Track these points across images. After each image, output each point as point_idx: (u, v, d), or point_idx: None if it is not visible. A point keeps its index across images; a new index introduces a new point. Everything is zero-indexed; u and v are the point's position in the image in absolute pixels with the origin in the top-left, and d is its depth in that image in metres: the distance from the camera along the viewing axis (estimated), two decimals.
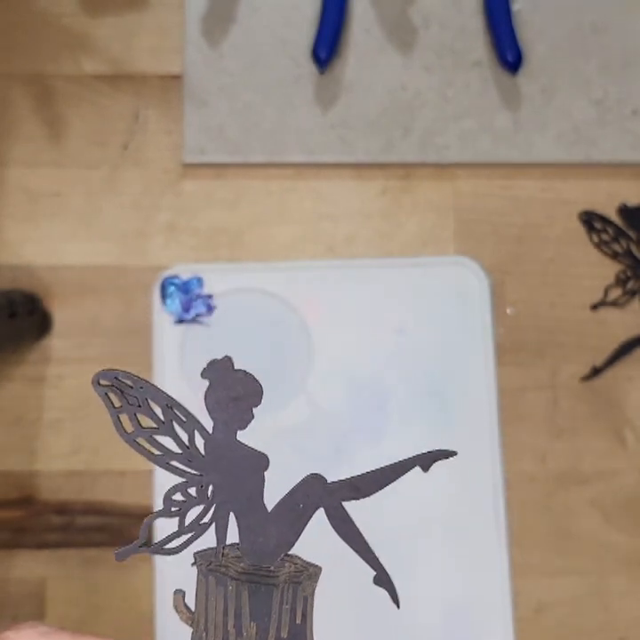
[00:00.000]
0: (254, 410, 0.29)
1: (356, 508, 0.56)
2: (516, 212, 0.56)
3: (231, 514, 0.27)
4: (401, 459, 0.31)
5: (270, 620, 0.27)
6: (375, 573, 0.31)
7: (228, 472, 0.27)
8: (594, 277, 0.56)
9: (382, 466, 0.30)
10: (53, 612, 0.52)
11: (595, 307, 0.55)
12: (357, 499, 0.29)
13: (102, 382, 0.27)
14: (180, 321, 0.54)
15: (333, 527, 0.30)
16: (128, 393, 0.27)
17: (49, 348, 0.55)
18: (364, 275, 0.55)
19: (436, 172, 0.57)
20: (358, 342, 0.54)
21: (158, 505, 0.52)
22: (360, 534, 0.31)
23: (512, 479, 0.53)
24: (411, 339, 0.54)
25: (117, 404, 0.28)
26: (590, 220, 0.56)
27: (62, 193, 0.56)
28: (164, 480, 0.53)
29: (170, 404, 0.28)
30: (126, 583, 0.52)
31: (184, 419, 0.28)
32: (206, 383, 0.27)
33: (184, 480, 0.28)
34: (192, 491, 0.28)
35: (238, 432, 0.28)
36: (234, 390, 0.28)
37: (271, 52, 0.57)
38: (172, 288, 0.54)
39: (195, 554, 0.28)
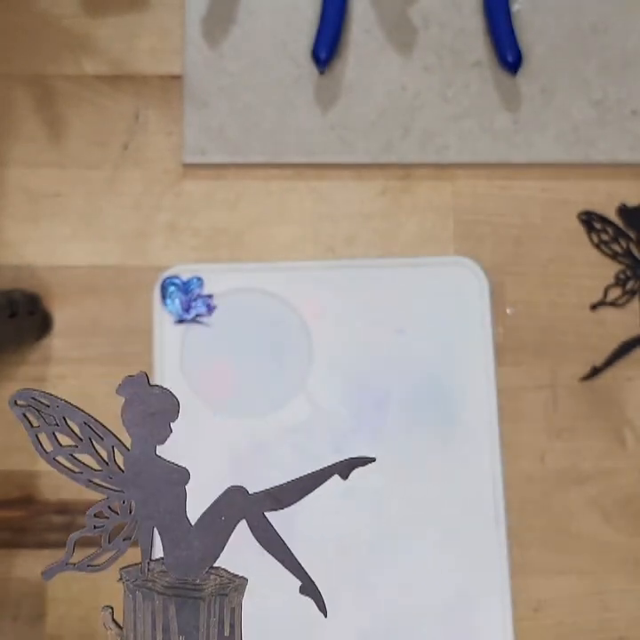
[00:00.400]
0: (173, 425, 0.29)
1: (356, 507, 0.56)
2: (515, 212, 0.56)
3: (154, 529, 0.28)
4: (326, 466, 0.31)
5: (198, 633, 0.27)
6: (301, 583, 0.31)
7: (148, 487, 0.28)
8: (593, 277, 0.56)
9: (302, 475, 0.30)
10: (54, 612, 0.52)
11: (594, 307, 0.55)
12: (278, 509, 0.29)
13: (19, 402, 0.28)
14: (181, 321, 0.54)
15: (256, 538, 0.30)
16: (45, 412, 0.27)
17: (50, 348, 0.55)
18: (363, 275, 0.55)
19: (435, 172, 0.57)
20: (358, 342, 0.54)
21: None
22: (284, 544, 0.31)
23: (511, 479, 0.53)
24: (410, 339, 0.54)
25: (36, 423, 0.28)
26: (590, 220, 0.56)
27: (63, 193, 0.56)
28: None
29: (87, 422, 0.28)
30: None
31: (102, 436, 0.28)
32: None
33: (105, 497, 0.28)
34: (115, 507, 0.28)
35: (157, 447, 0.28)
36: (150, 406, 0.28)
37: (271, 52, 0.57)
38: (172, 288, 0.55)
39: (120, 570, 0.29)
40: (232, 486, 0.28)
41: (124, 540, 0.28)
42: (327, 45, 0.55)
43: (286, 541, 0.55)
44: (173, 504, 0.28)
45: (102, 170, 0.56)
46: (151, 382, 0.28)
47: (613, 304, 0.56)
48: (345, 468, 0.30)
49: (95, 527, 0.28)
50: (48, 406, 0.28)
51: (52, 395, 0.28)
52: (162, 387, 0.29)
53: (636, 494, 0.53)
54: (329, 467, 0.30)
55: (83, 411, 0.28)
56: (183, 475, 0.28)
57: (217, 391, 0.54)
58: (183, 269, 0.55)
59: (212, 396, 0.54)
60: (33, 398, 0.27)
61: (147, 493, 0.28)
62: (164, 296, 0.55)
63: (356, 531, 0.52)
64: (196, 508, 0.55)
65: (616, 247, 0.56)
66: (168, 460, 0.29)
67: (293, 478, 0.29)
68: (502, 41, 0.56)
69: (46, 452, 0.28)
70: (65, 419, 0.28)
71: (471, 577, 0.52)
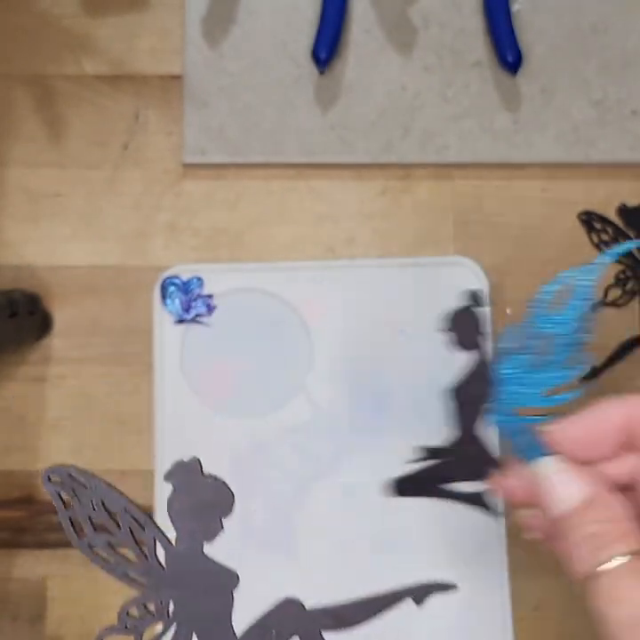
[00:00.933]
0: (224, 520, 0.26)
1: (356, 507, 0.56)
2: (515, 212, 0.56)
3: (193, 634, 0.24)
4: (395, 588, 0.28)
5: None
6: None
7: (191, 588, 0.24)
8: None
9: (371, 596, 0.27)
10: (53, 613, 0.52)
11: (594, 307, 0.56)
12: (341, 629, 0.26)
13: (53, 479, 0.25)
14: (181, 321, 0.54)
15: None
16: (81, 493, 0.25)
17: (50, 348, 0.55)
18: (363, 275, 0.55)
19: (435, 172, 0.57)
20: (358, 342, 0.54)
21: (159, 504, 0.52)
22: None
23: None
24: (410, 338, 0.54)
25: (70, 503, 0.25)
26: (590, 220, 0.56)
27: (63, 193, 0.56)
28: (165, 480, 0.53)
29: (127, 509, 0.25)
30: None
31: (143, 525, 0.25)
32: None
33: (141, 593, 0.24)
34: (151, 606, 0.24)
35: (205, 544, 0.25)
36: (202, 497, 0.25)
37: (271, 52, 0.57)
38: (172, 288, 0.55)
39: None
40: (286, 598, 0.26)
41: None
42: (327, 45, 0.55)
43: (287, 540, 0.55)
44: (217, 610, 0.24)
45: (102, 170, 0.57)
46: (204, 471, 0.25)
47: (613, 304, 0.56)
48: (421, 593, 0.28)
49: (126, 626, 0.24)
50: (85, 487, 0.25)
51: (89, 473, 0.25)
52: (215, 476, 0.26)
53: None
54: (404, 590, 0.28)
55: (123, 494, 0.26)
56: (232, 578, 0.26)
57: (217, 391, 0.54)
58: (183, 269, 0.55)
59: (211, 395, 0.54)
60: (69, 475, 0.25)
61: (188, 595, 0.24)
62: (163, 296, 0.55)
63: (357, 530, 0.53)
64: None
65: None
66: (216, 560, 0.25)
67: (362, 597, 0.26)
68: (502, 41, 0.56)
69: (80, 539, 0.25)
70: (103, 502, 0.25)
71: (471, 576, 0.52)
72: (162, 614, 0.24)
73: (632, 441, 0.36)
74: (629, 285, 0.56)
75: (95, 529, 0.24)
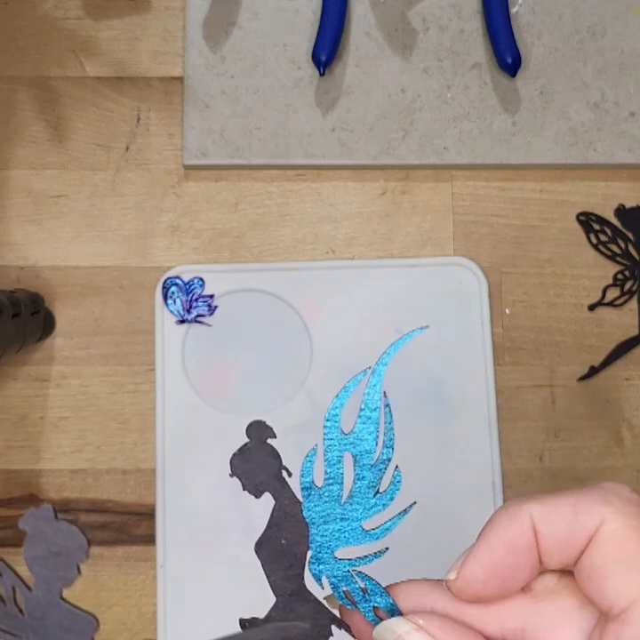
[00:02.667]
0: (81, 565, 0.23)
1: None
2: (514, 214, 0.57)
3: None
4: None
5: None
6: None
7: (50, 635, 0.23)
8: (592, 278, 0.56)
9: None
10: None
11: (592, 307, 0.56)
12: None
13: None
14: (182, 321, 0.55)
15: None
16: None
17: (52, 348, 0.55)
18: (363, 275, 0.55)
19: (435, 173, 0.57)
20: (358, 342, 0.54)
21: (160, 503, 0.53)
22: None
23: (510, 477, 0.54)
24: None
25: None
26: (588, 221, 0.57)
27: (66, 194, 0.57)
28: (166, 479, 0.53)
29: None
30: (129, 581, 0.53)
31: (1, 573, 0.24)
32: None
33: None
34: None
35: (63, 589, 0.23)
36: (55, 544, 0.24)
37: (272, 55, 0.57)
38: (174, 289, 0.55)
39: None
40: None
41: None
42: (327, 48, 0.56)
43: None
44: None
45: (105, 171, 0.57)
46: (57, 517, 0.24)
47: (612, 304, 0.56)
48: None
49: None
50: None
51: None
52: (69, 523, 0.24)
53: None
54: None
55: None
56: (90, 624, 0.24)
57: (218, 390, 0.54)
58: (185, 270, 0.55)
59: (213, 395, 0.54)
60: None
61: None
62: (165, 296, 0.55)
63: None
64: (198, 506, 0.56)
65: (614, 248, 0.56)
66: (74, 605, 0.24)
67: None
68: (501, 43, 0.56)
69: None
70: None
71: None
72: None
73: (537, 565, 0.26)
74: (628, 286, 0.56)
75: None
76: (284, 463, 0.53)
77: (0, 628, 0.23)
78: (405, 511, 0.33)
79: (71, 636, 0.23)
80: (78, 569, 0.24)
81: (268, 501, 0.53)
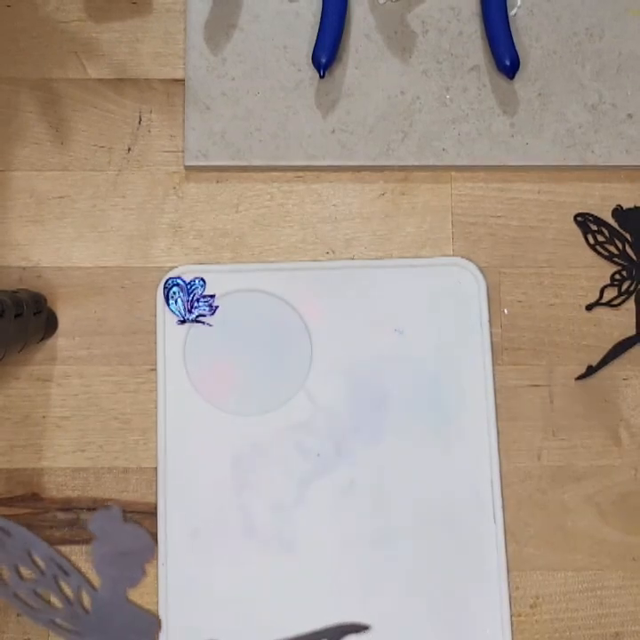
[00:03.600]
0: (147, 565, 0.25)
1: (355, 506, 0.57)
2: (512, 214, 0.57)
3: None
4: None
5: None
6: None
7: (114, 634, 0.24)
8: (589, 278, 0.57)
9: (289, 638, 0.26)
10: None
11: (590, 307, 0.56)
12: None
13: None
14: (183, 321, 0.55)
15: None
16: (7, 542, 0.24)
17: (55, 348, 0.55)
18: (363, 276, 0.56)
19: (434, 174, 0.57)
20: (357, 342, 0.55)
21: (161, 502, 0.53)
22: None
23: (509, 476, 0.54)
24: (409, 338, 0.55)
25: None
26: (586, 222, 0.57)
27: (68, 195, 0.57)
28: (167, 478, 0.54)
29: (52, 557, 0.25)
30: None
31: (68, 572, 0.25)
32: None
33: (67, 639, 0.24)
34: None
35: (128, 590, 0.25)
36: (122, 545, 0.25)
37: (272, 57, 0.58)
38: (175, 289, 0.55)
39: None
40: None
41: None
42: (327, 50, 0.56)
43: (286, 540, 0.55)
44: None
45: (106, 172, 0.57)
46: (125, 519, 0.25)
47: (609, 304, 0.56)
48: (336, 633, 0.28)
49: None
50: (9, 535, 0.24)
51: (15, 524, 0.24)
52: (136, 524, 0.26)
53: (632, 492, 0.54)
54: (321, 630, 0.27)
55: (47, 544, 0.25)
56: (153, 625, 0.25)
57: (219, 390, 0.54)
58: (186, 270, 0.56)
59: (213, 394, 0.54)
60: None
61: None
62: (167, 297, 0.55)
63: (356, 529, 0.53)
64: (199, 505, 0.56)
65: (612, 248, 0.57)
66: (138, 606, 0.25)
67: (287, 638, 0.25)
68: (500, 46, 0.56)
69: (5, 586, 0.24)
70: (29, 551, 0.24)
71: (469, 573, 0.52)
72: None
73: None
74: (625, 286, 0.56)
75: (21, 577, 0.24)
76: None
77: (65, 627, 0.25)
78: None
79: (135, 636, 0.24)
80: (143, 570, 0.25)
81: (268, 500, 0.53)
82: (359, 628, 0.27)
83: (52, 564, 0.25)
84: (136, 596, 0.53)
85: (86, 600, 0.25)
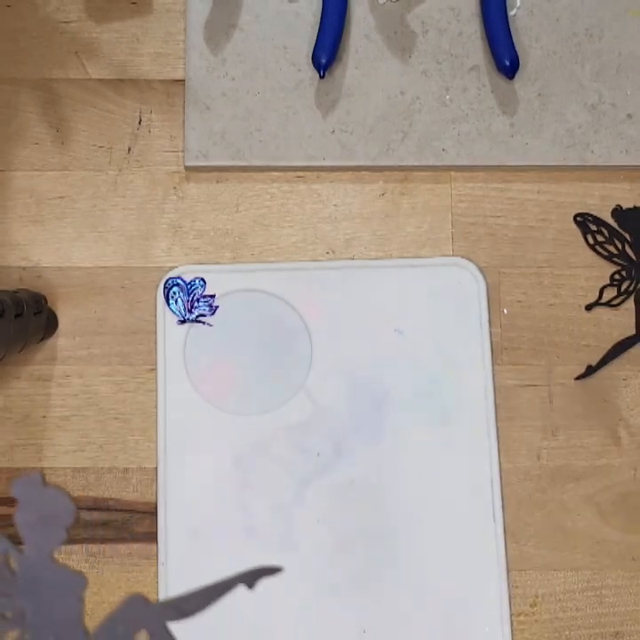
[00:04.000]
0: (68, 529, 0.26)
1: (355, 505, 0.57)
2: (512, 214, 0.57)
3: (50, 638, 0.26)
4: (228, 578, 0.28)
5: None
6: None
7: (43, 594, 0.26)
8: (589, 278, 0.57)
9: (207, 584, 0.28)
10: None
11: (590, 307, 0.56)
12: (181, 619, 0.27)
13: None
14: (183, 321, 0.55)
15: None
16: None
17: (55, 348, 0.56)
18: (363, 275, 0.56)
19: (434, 175, 0.57)
20: (357, 342, 0.55)
21: (162, 501, 0.53)
22: None
23: (508, 476, 0.54)
24: (409, 338, 0.55)
25: None
26: (585, 222, 0.57)
27: (68, 195, 0.57)
28: (167, 477, 0.54)
29: None
30: (130, 579, 0.53)
31: None
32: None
33: None
34: (8, 614, 0.26)
35: (53, 551, 0.26)
36: (44, 509, 0.26)
37: (272, 57, 0.58)
38: (175, 289, 0.55)
39: None
40: (133, 595, 0.27)
41: None
42: (327, 50, 0.56)
43: (286, 539, 0.56)
44: (70, 613, 0.26)
45: (106, 173, 0.57)
46: (45, 483, 0.26)
47: (608, 304, 0.56)
48: (251, 577, 0.29)
49: None
50: None
51: None
52: (56, 488, 0.27)
53: (631, 491, 0.54)
54: (234, 576, 0.29)
55: None
56: (81, 582, 0.26)
57: (219, 390, 0.54)
58: (186, 270, 0.56)
59: (214, 394, 0.54)
60: None
61: (41, 600, 0.26)
62: (167, 297, 0.55)
63: (356, 528, 0.53)
64: (199, 504, 0.56)
65: (611, 248, 0.57)
66: (64, 565, 0.27)
67: (197, 588, 0.28)
68: (499, 46, 0.56)
69: None
70: None
71: (469, 573, 0.52)
72: (19, 621, 0.26)
73: None
74: (624, 286, 0.56)
75: None
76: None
77: None
78: None
79: (63, 594, 0.26)
80: (66, 532, 0.27)
81: (268, 500, 0.53)
82: (272, 571, 0.29)
83: None
84: (138, 589, 0.53)
85: (13, 563, 0.26)
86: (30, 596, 0.25)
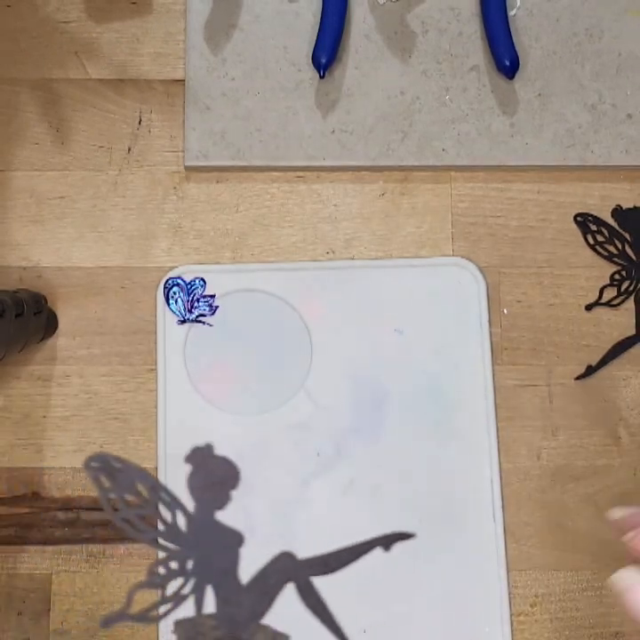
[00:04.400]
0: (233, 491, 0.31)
1: (355, 505, 0.57)
2: (512, 215, 0.57)
3: (208, 586, 0.30)
4: (369, 538, 0.32)
5: None
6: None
7: (205, 548, 0.30)
8: (589, 278, 0.57)
9: (348, 546, 0.34)
10: (59, 607, 0.53)
11: (590, 307, 0.56)
12: (325, 574, 0.32)
13: (93, 464, 0.30)
14: (184, 321, 0.55)
15: (302, 599, 0.33)
16: (117, 475, 0.29)
17: (55, 348, 0.56)
18: (363, 276, 0.56)
19: (433, 175, 0.58)
20: (357, 342, 0.55)
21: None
22: (324, 605, 0.33)
23: (508, 476, 0.54)
24: (409, 338, 0.55)
25: (107, 485, 0.29)
26: (585, 222, 0.57)
27: (68, 195, 0.57)
28: (168, 477, 0.54)
29: (154, 487, 0.30)
30: (131, 578, 0.53)
31: (168, 499, 0.30)
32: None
33: (166, 555, 0.30)
34: (173, 564, 0.30)
35: (217, 512, 0.31)
36: (213, 475, 0.32)
37: (272, 57, 0.58)
38: (175, 289, 0.55)
39: (174, 622, 0.31)
40: (282, 552, 0.33)
41: (180, 594, 0.30)
42: (327, 50, 0.56)
43: (287, 539, 0.56)
44: (227, 564, 0.31)
45: (106, 173, 0.57)
46: (215, 453, 0.32)
47: (608, 304, 0.56)
48: (388, 541, 0.35)
49: (154, 582, 0.30)
50: (120, 471, 0.30)
51: (124, 460, 0.30)
52: (225, 457, 0.33)
53: (631, 491, 0.54)
54: (373, 539, 0.35)
55: (152, 476, 0.30)
56: (238, 538, 0.32)
57: (219, 389, 0.54)
58: (186, 270, 0.56)
59: (214, 394, 0.54)
60: (107, 461, 0.30)
61: (203, 553, 0.31)
62: (167, 297, 0.55)
63: (356, 528, 0.53)
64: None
65: (611, 248, 0.57)
66: (226, 524, 0.32)
67: (340, 548, 0.33)
68: (499, 46, 0.57)
69: (115, 512, 0.30)
70: (134, 482, 0.30)
71: (469, 572, 0.53)
72: (183, 571, 0.31)
73: None
74: (624, 286, 0.57)
75: (129, 505, 0.30)
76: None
77: (166, 546, 0.31)
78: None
79: (223, 548, 0.31)
80: (229, 495, 0.33)
81: (268, 500, 0.53)
82: (407, 536, 0.36)
83: (154, 492, 0.30)
84: (137, 593, 0.53)
85: (182, 522, 0.30)
86: (194, 549, 0.30)
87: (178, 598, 0.31)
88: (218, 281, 0.56)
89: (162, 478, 0.53)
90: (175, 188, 0.57)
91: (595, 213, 0.57)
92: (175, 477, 0.53)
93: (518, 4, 0.59)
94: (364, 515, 0.53)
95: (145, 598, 0.30)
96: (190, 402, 0.54)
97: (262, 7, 0.58)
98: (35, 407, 0.55)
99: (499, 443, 0.54)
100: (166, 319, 0.55)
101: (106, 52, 0.59)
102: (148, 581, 0.31)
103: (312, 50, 0.57)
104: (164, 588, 0.30)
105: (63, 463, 0.54)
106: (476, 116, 0.57)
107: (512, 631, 0.52)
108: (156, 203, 0.57)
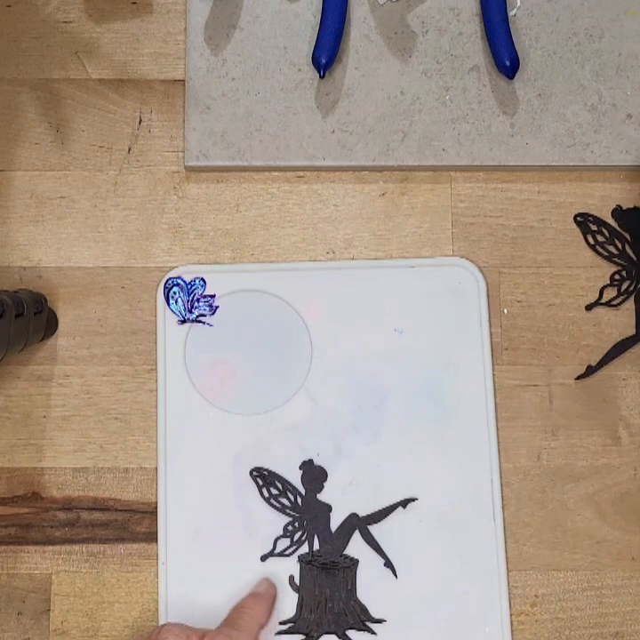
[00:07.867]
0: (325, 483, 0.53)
1: (355, 504, 0.57)
2: (512, 215, 0.57)
3: (314, 535, 0.53)
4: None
5: (336, 587, 0.52)
6: (384, 560, 0.53)
7: (313, 515, 0.53)
8: (589, 278, 0.57)
9: (383, 507, 0.53)
10: (59, 607, 0.53)
11: (590, 307, 0.56)
12: (372, 524, 0.53)
13: (255, 473, 0.53)
14: (184, 321, 0.55)
15: (362, 537, 0.53)
16: (266, 478, 0.53)
17: (55, 348, 0.56)
18: (363, 276, 0.56)
19: (433, 175, 0.58)
20: (357, 342, 0.55)
21: (162, 501, 0.53)
22: (375, 541, 0.53)
23: (508, 476, 0.54)
24: (409, 338, 0.55)
25: (261, 483, 0.53)
26: (585, 222, 0.57)
27: (68, 196, 0.57)
28: (168, 477, 0.54)
29: (285, 484, 0.53)
30: (131, 578, 0.53)
31: (292, 489, 0.53)
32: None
33: (291, 519, 0.53)
34: (296, 524, 0.53)
35: (317, 495, 0.53)
36: (314, 475, 0.53)
37: (272, 57, 0.58)
38: (175, 289, 0.56)
39: (298, 556, 0.53)
40: (352, 513, 0.53)
41: (300, 540, 0.53)
42: (327, 51, 0.56)
43: (286, 539, 0.56)
44: (325, 523, 0.53)
45: (107, 173, 0.57)
46: (315, 463, 0.53)
47: (608, 304, 0.56)
48: (406, 502, 0.53)
49: (288, 534, 0.53)
50: (268, 474, 0.53)
51: (272, 471, 0.53)
52: (321, 466, 0.53)
53: (631, 491, 0.54)
54: (396, 503, 0.53)
55: (284, 478, 0.53)
56: (329, 508, 0.53)
57: (219, 389, 0.54)
58: (186, 271, 0.56)
59: (214, 394, 0.54)
60: (265, 470, 0.53)
61: (312, 517, 0.53)
62: (167, 297, 0.55)
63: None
64: (199, 504, 0.56)
65: (611, 248, 0.57)
66: (324, 501, 0.53)
67: (379, 509, 0.53)
68: (499, 46, 0.57)
69: (266, 497, 0.53)
70: (275, 480, 0.53)
71: (469, 572, 0.53)
72: (301, 527, 0.53)
73: None
74: (624, 286, 0.56)
75: (270, 493, 0.53)
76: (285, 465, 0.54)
77: (291, 514, 0.53)
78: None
79: (322, 514, 0.53)
80: (323, 485, 0.53)
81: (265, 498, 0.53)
82: (414, 499, 0.53)
83: (284, 487, 0.53)
84: (137, 594, 0.53)
85: (299, 500, 0.53)
86: (306, 515, 0.53)
87: (299, 542, 0.53)
88: (218, 281, 0.56)
89: (162, 479, 0.53)
90: (175, 188, 0.57)
91: (595, 213, 0.57)
92: (175, 478, 0.53)
93: (518, 3, 0.59)
94: (364, 514, 0.53)
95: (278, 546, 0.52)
96: (190, 402, 0.54)
97: (262, 7, 0.58)
98: (35, 407, 0.55)
99: (499, 443, 0.54)
100: (166, 319, 0.55)
101: (106, 52, 0.59)
102: (283, 534, 0.52)
103: (312, 50, 0.57)
104: (292, 537, 0.53)
105: (63, 463, 0.54)
106: (475, 116, 0.57)
107: (512, 631, 0.52)
108: (156, 203, 0.57)
